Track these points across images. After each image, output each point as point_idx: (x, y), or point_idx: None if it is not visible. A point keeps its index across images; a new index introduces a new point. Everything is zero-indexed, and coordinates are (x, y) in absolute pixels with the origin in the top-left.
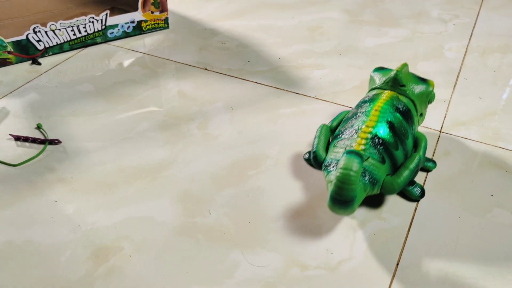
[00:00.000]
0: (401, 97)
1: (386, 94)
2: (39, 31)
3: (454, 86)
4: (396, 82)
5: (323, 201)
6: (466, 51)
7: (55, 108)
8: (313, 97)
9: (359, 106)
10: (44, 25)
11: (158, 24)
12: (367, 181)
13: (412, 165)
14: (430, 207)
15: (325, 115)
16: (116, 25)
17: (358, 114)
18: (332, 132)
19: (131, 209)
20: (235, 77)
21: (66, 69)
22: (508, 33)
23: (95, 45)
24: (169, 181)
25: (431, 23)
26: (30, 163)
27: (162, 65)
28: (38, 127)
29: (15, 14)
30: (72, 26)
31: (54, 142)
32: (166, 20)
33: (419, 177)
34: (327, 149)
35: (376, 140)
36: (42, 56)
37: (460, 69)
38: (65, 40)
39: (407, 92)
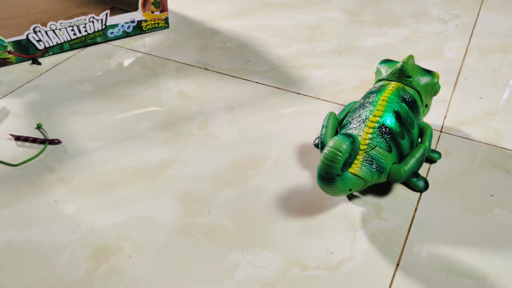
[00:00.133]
0: (407, 88)
1: (393, 85)
2: (39, 31)
3: (455, 86)
4: (402, 73)
5: (323, 201)
6: (466, 51)
7: (55, 108)
8: (313, 97)
9: (366, 96)
10: (44, 24)
11: (158, 24)
12: (374, 169)
13: (418, 154)
14: (430, 207)
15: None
16: (116, 25)
17: (366, 104)
18: (339, 123)
19: (131, 209)
20: (235, 77)
21: (66, 69)
22: (508, 33)
23: (95, 45)
24: (169, 181)
25: (431, 23)
26: (30, 163)
27: (162, 65)
28: (38, 127)
29: (15, 14)
30: (72, 26)
31: (54, 142)
32: (166, 20)
33: (422, 173)
34: None
35: (383, 129)
36: (42, 56)
37: (460, 69)
38: (65, 40)
39: (413, 83)
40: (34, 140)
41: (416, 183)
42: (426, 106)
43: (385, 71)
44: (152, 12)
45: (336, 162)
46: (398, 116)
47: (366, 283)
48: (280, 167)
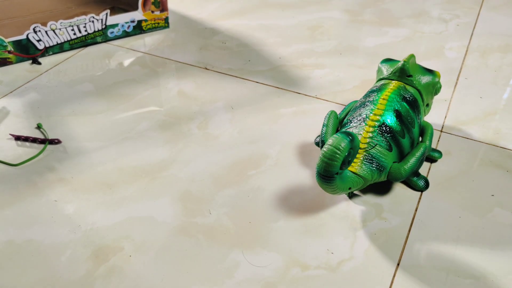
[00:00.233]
0: (408, 87)
1: (394, 84)
2: (39, 31)
3: (455, 85)
4: (403, 72)
5: (323, 200)
6: (466, 51)
7: (55, 108)
8: (313, 97)
9: (367, 95)
10: (45, 24)
11: (158, 23)
12: (374, 168)
13: (418, 153)
14: (431, 207)
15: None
16: (116, 25)
17: (366, 103)
18: (340, 122)
19: (131, 209)
20: (236, 77)
21: (66, 69)
22: (509, 33)
23: (95, 45)
24: (169, 181)
25: (431, 23)
26: (30, 163)
27: (162, 64)
28: (38, 127)
29: (15, 13)
30: (72, 26)
31: (54, 142)
32: (166, 19)
33: (422, 172)
34: None
35: (384, 128)
36: (42, 55)
37: (461, 68)
38: (65, 40)
39: (414, 82)
40: (34, 140)
41: (417, 182)
42: (427, 105)
43: (386, 70)
44: (152, 11)
45: (334, 160)
46: (398, 115)
47: (366, 283)
48: (280, 167)
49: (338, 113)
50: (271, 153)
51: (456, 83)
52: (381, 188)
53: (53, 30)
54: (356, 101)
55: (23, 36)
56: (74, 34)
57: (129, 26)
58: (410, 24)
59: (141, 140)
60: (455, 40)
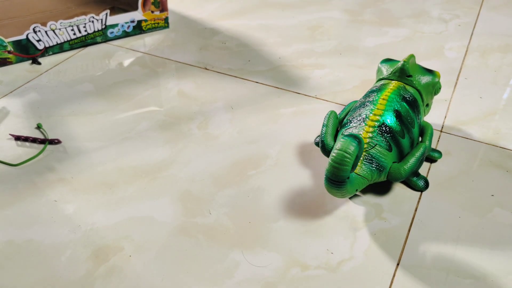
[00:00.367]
0: (407, 87)
1: (393, 84)
2: (39, 31)
3: (455, 85)
4: (403, 72)
5: (323, 201)
6: (466, 51)
7: (55, 108)
8: (313, 97)
9: (366, 95)
10: (44, 24)
11: (158, 23)
12: (374, 168)
13: (418, 153)
14: (431, 207)
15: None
16: (116, 25)
17: (366, 103)
18: (340, 122)
19: (131, 209)
20: (236, 77)
21: (66, 69)
22: (509, 33)
23: (95, 45)
24: (169, 181)
25: (431, 23)
26: (30, 163)
27: (162, 64)
28: (38, 127)
29: (15, 13)
30: (72, 26)
31: (54, 142)
32: (166, 19)
33: (422, 172)
34: (335, 137)
35: (383, 128)
36: (42, 55)
37: (461, 68)
38: (65, 40)
39: (414, 82)
40: (34, 140)
41: (416, 182)
42: (427, 105)
43: (386, 70)
44: (152, 12)
45: (345, 164)
46: (398, 115)
47: (366, 283)
48: (280, 167)
49: (338, 113)
50: (271, 153)
51: (456, 83)
52: (381, 188)
53: (53, 30)
54: (356, 101)
55: (23, 36)
56: (74, 34)
57: (129, 26)
58: (410, 24)
59: (141, 140)
60: (455, 40)
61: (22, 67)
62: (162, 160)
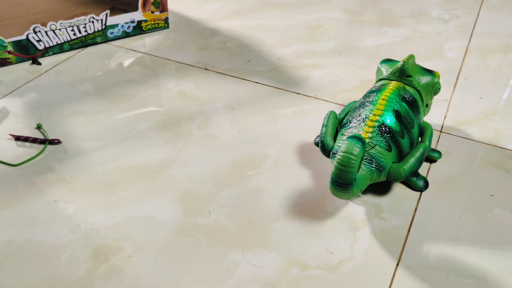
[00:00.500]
0: (407, 88)
1: (393, 84)
2: (39, 31)
3: (455, 86)
4: (403, 72)
5: (323, 201)
6: (466, 51)
7: (55, 108)
8: (313, 97)
9: (366, 96)
10: (44, 25)
11: (158, 24)
12: (373, 168)
13: (418, 153)
14: (430, 207)
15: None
16: (116, 25)
17: (366, 104)
18: (340, 122)
19: (131, 209)
20: (235, 77)
21: (66, 69)
22: (508, 33)
23: (95, 45)
24: (169, 181)
25: (431, 23)
26: (30, 163)
27: (162, 65)
28: (38, 127)
29: (15, 14)
30: (72, 26)
31: (54, 142)
32: (166, 20)
33: (422, 172)
34: (335, 137)
35: (383, 128)
36: (42, 56)
37: (461, 69)
38: (65, 40)
39: (414, 82)
40: (34, 140)
41: (416, 183)
42: (427, 105)
43: (385, 70)
44: (152, 12)
45: (351, 166)
46: (398, 115)
47: (366, 283)
48: (280, 167)
49: (337, 113)
50: (271, 153)
51: (456, 83)
52: (380, 188)
53: (53, 31)
54: (355, 102)
55: (23, 37)
56: (74, 34)
57: (129, 26)
58: (410, 24)
59: (141, 140)
60: (455, 40)
61: (22, 67)
62: (162, 160)
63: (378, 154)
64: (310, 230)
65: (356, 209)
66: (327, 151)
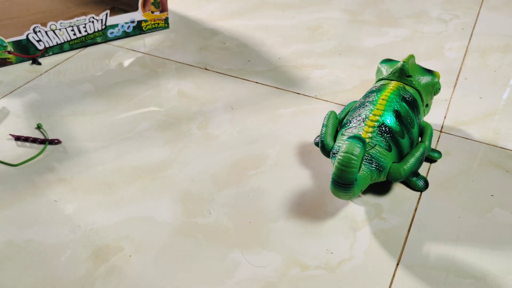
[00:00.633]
0: (407, 88)
1: (393, 84)
2: (39, 31)
3: (455, 86)
4: (403, 72)
5: (323, 201)
6: (466, 51)
7: (55, 108)
8: (313, 97)
9: (366, 96)
10: (44, 25)
11: (158, 24)
12: (373, 168)
13: (418, 153)
14: (430, 207)
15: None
16: (116, 25)
17: (366, 104)
18: (340, 122)
19: (131, 209)
20: (235, 77)
21: (66, 69)
22: (508, 33)
23: (95, 45)
24: (169, 181)
25: (431, 23)
26: (30, 163)
27: (162, 65)
28: (38, 127)
29: (15, 14)
30: (72, 26)
31: (54, 142)
32: (166, 20)
33: (422, 172)
34: (335, 137)
35: (383, 128)
36: (42, 56)
37: (460, 69)
38: (65, 40)
39: (414, 82)
40: (34, 140)
41: (416, 183)
42: (427, 105)
43: (385, 70)
44: (152, 12)
45: (352, 166)
46: (398, 115)
47: (366, 283)
48: (280, 167)
49: (337, 113)
50: (271, 153)
51: (456, 83)
52: (380, 188)
53: (53, 31)
54: (355, 102)
55: (23, 37)
56: (74, 34)
57: (129, 26)
58: (410, 24)
59: (141, 140)
60: (455, 40)
61: (22, 67)
62: (162, 160)
63: (378, 154)
64: (310, 230)
65: (356, 209)
66: (327, 151)
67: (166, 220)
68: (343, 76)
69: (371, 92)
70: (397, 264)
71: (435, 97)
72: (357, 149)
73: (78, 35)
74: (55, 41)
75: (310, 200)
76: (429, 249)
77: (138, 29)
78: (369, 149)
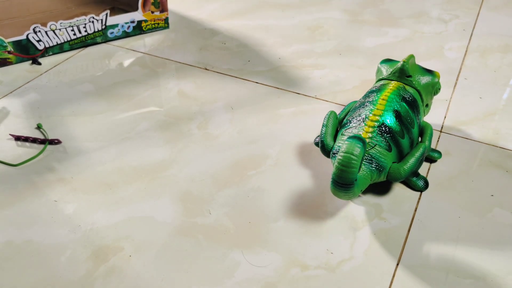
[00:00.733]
0: (407, 88)
1: (393, 84)
2: (39, 31)
3: (455, 86)
4: (403, 72)
5: (323, 201)
6: (466, 51)
7: (55, 108)
8: (313, 97)
9: (366, 96)
10: (44, 25)
11: (158, 24)
12: (373, 168)
13: (418, 153)
14: (430, 207)
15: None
16: (116, 25)
17: (366, 104)
18: (340, 122)
19: (131, 209)
20: (235, 77)
21: (66, 69)
22: (508, 33)
23: (95, 45)
24: (169, 181)
25: (431, 23)
26: (30, 163)
27: (162, 65)
28: (38, 127)
29: (15, 14)
30: (72, 26)
31: (54, 142)
32: (166, 20)
33: (422, 172)
34: (335, 137)
35: (383, 128)
36: (42, 56)
37: (460, 69)
38: (65, 40)
39: (414, 82)
40: (34, 140)
41: (416, 183)
42: (427, 105)
43: (385, 70)
44: (152, 12)
45: (352, 166)
46: (398, 115)
47: (366, 283)
48: (280, 167)
49: (337, 113)
50: (271, 153)
51: (456, 83)
52: (380, 188)
53: (53, 31)
54: (355, 102)
55: (23, 37)
56: (74, 34)
57: (129, 26)
58: (410, 24)
59: (141, 140)
60: (455, 40)
61: (22, 67)
62: (162, 160)
63: (378, 154)
64: (310, 230)
65: (356, 209)
66: (327, 151)
67: (166, 220)
68: (343, 76)
69: (371, 92)
70: (397, 264)
71: (435, 97)
72: (357, 149)
73: (78, 35)
74: (55, 41)
75: (310, 200)
76: (429, 249)
77: (138, 29)
78: (369, 149)
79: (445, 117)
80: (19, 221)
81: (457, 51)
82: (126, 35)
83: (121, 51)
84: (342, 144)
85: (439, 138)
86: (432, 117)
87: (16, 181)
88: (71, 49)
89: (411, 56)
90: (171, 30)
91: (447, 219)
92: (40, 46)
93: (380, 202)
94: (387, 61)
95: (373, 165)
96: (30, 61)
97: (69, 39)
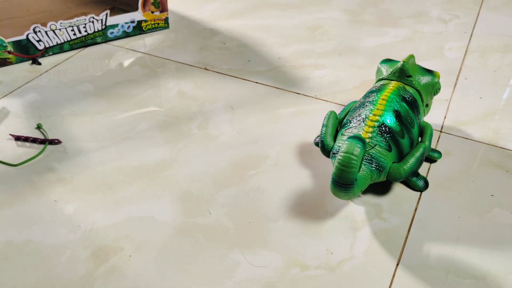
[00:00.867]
0: (407, 88)
1: (393, 84)
2: (39, 31)
3: (455, 86)
4: (403, 72)
5: (323, 201)
6: (466, 51)
7: (55, 108)
8: (313, 97)
9: (366, 96)
10: (44, 25)
11: (158, 24)
12: (373, 168)
13: (418, 153)
14: (430, 207)
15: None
16: (116, 25)
17: (366, 104)
18: (340, 122)
19: (131, 209)
20: (235, 77)
21: (66, 69)
22: (508, 33)
23: (95, 45)
24: (169, 181)
25: (431, 23)
26: (30, 163)
27: (162, 65)
28: (38, 127)
29: (15, 14)
30: (72, 26)
31: (54, 142)
32: (166, 20)
33: (422, 172)
34: (335, 137)
35: (383, 128)
36: (42, 56)
37: (460, 69)
38: (65, 40)
39: (414, 82)
40: (34, 140)
41: (416, 183)
42: (427, 105)
43: (385, 70)
44: (152, 12)
45: (352, 166)
46: (398, 115)
47: (366, 283)
48: (280, 167)
49: (337, 113)
50: (271, 153)
51: (456, 83)
52: (380, 188)
53: (53, 31)
54: (355, 102)
55: (23, 37)
56: (74, 34)
57: (129, 26)
58: (410, 24)
59: (141, 140)
60: (455, 40)
61: (22, 67)
62: (162, 160)
63: (378, 154)
64: (310, 230)
65: (356, 209)
66: (327, 151)
67: (166, 220)
68: (343, 76)
69: (371, 92)
70: (397, 264)
71: (435, 97)
72: (357, 149)
73: (78, 35)
74: (55, 41)
75: (310, 200)
76: (429, 249)
77: (138, 29)
78: (369, 149)
79: (445, 117)
80: (19, 221)
81: (457, 51)
82: (126, 35)
83: (121, 51)
84: (342, 144)
85: (439, 138)
86: (432, 117)
87: (16, 181)
88: (71, 49)
89: (411, 56)
90: (171, 30)
91: (447, 219)
92: (40, 46)
93: (380, 202)
94: (387, 61)
95: (373, 165)
96: (30, 61)
97: (69, 39)
